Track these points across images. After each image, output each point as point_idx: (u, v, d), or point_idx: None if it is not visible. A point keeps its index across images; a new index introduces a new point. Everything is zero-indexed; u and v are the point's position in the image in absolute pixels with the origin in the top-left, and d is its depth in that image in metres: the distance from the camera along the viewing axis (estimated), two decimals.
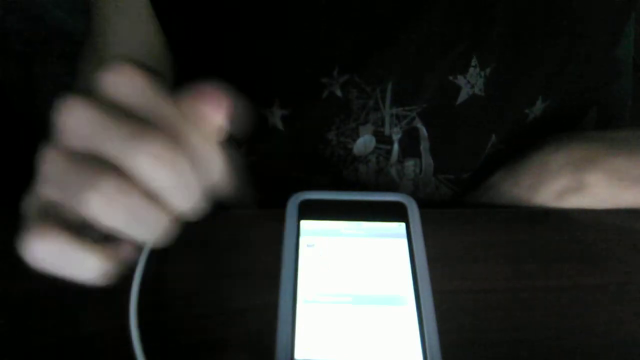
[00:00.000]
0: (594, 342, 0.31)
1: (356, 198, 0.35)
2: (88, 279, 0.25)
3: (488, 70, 0.45)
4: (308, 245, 0.32)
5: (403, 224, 0.34)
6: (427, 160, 0.48)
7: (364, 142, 0.47)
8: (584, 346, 0.31)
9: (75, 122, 0.24)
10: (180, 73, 0.51)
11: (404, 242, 0.33)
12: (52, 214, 0.25)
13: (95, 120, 0.24)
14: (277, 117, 0.46)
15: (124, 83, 0.25)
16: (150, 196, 0.24)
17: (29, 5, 0.67)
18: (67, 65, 0.69)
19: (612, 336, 0.31)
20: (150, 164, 0.23)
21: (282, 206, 0.35)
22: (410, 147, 0.47)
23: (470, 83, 0.45)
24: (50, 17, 0.67)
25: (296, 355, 0.27)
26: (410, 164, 0.48)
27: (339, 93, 0.45)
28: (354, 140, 0.47)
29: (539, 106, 0.48)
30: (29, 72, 0.69)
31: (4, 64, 0.69)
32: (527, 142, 0.44)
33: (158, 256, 0.27)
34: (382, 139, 0.47)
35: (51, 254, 0.24)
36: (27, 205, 0.27)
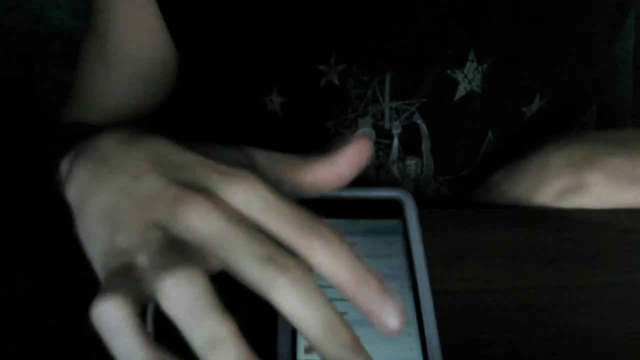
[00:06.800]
0: (594, 343, 0.31)
1: (351, 195, 0.35)
2: None
3: (485, 66, 0.45)
4: None
5: (399, 221, 0.34)
6: (428, 160, 0.48)
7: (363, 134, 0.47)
8: (584, 346, 0.31)
9: (203, 224, 0.23)
10: (181, 60, 0.51)
11: (401, 239, 0.33)
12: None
13: (226, 228, 0.23)
14: (276, 104, 0.46)
15: (250, 197, 0.24)
16: None
17: (29, 5, 0.67)
18: (67, 65, 0.69)
19: (612, 336, 0.31)
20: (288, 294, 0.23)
21: None
22: (411, 144, 0.47)
23: (468, 78, 0.45)
24: (50, 17, 0.67)
25: (296, 355, 0.27)
26: (411, 162, 0.48)
27: (336, 82, 0.45)
28: (353, 132, 0.47)
29: (536, 104, 0.48)
30: (29, 72, 0.70)
31: (4, 63, 0.69)
32: (525, 140, 0.44)
33: None
34: (382, 133, 0.47)
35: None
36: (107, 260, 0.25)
